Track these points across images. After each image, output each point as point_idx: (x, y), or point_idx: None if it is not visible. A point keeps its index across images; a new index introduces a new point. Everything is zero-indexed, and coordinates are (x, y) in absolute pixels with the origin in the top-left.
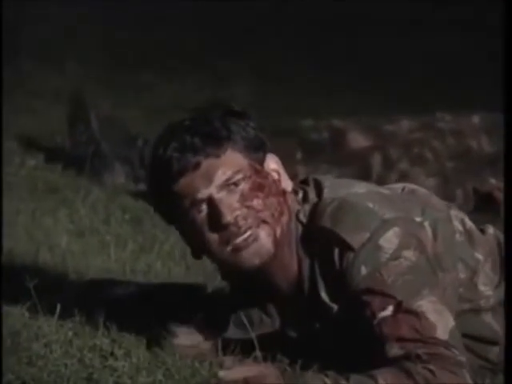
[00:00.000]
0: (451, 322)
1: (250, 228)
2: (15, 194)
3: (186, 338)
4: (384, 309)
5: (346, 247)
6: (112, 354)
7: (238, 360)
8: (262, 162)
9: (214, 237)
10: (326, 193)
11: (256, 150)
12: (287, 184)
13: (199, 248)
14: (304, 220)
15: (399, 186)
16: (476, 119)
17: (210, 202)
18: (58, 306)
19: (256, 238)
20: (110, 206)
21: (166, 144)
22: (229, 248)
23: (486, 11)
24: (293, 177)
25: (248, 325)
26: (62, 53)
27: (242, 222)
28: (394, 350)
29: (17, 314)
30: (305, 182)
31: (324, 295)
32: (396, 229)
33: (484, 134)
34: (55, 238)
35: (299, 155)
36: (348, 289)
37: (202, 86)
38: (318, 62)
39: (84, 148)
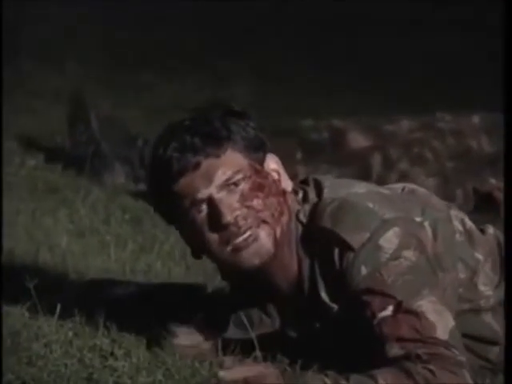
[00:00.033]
0: (451, 322)
1: (250, 228)
2: (15, 194)
3: (186, 338)
4: (384, 309)
5: (346, 247)
6: (112, 354)
7: (238, 360)
8: (261, 162)
9: (213, 237)
10: (326, 193)
11: (256, 150)
12: (287, 184)
13: (199, 248)
14: (304, 220)
15: (399, 186)
16: (476, 119)
17: (210, 201)
18: (58, 306)
19: (256, 238)
20: (110, 206)
21: (165, 144)
22: (229, 248)
23: (485, 11)
24: (293, 177)
25: (248, 325)
26: (61, 53)
27: (242, 222)
28: (394, 350)
29: (17, 314)
30: (305, 182)
31: (324, 295)
32: (396, 229)
33: (484, 134)
34: (55, 238)
35: (299, 155)
36: (348, 289)
37: (202, 85)
38: (318, 62)
39: (84, 148)
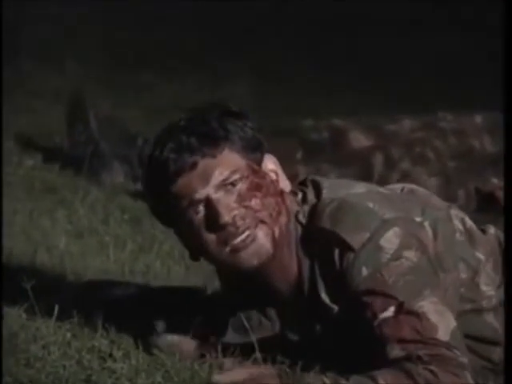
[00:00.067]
0: (452, 323)
1: (248, 228)
2: (13, 194)
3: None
4: (385, 310)
5: (346, 247)
6: (111, 355)
7: (237, 362)
8: (259, 162)
9: (211, 237)
10: (325, 193)
11: (253, 150)
12: (285, 184)
13: (197, 249)
14: (303, 221)
15: (399, 186)
16: (478, 119)
17: (208, 202)
18: (56, 308)
19: (254, 239)
20: (109, 206)
21: (162, 145)
22: (227, 249)
23: (485, 11)
24: (293, 177)
25: (248, 327)
26: (61, 53)
27: (239, 222)
28: (395, 352)
29: (14, 316)
30: (303, 184)
31: (324, 296)
32: (396, 229)
33: (486, 134)
34: (53, 239)
35: (299, 155)
36: (348, 289)
37: (202, 85)
38: (318, 62)
39: (83, 148)
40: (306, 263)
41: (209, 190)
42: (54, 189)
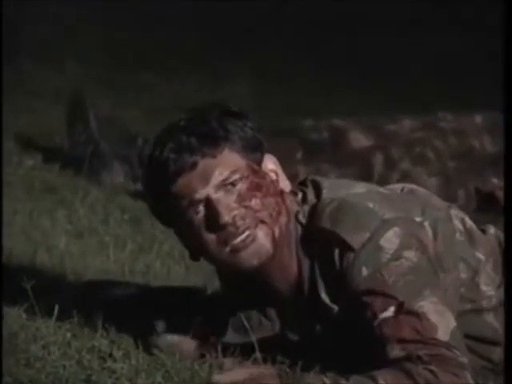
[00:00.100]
0: (452, 323)
1: (248, 228)
2: (13, 194)
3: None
4: (385, 310)
5: (346, 247)
6: (111, 355)
7: (237, 362)
8: (259, 162)
9: (211, 237)
10: (325, 193)
11: (253, 150)
12: (285, 184)
13: (197, 249)
14: (303, 221)
15: (399, 186)
16: (478, 119)
17: (208, 202)
18: (56, 308)
19: (254, 239)
20: (109, 206)
21: (162, 145)
22: (227, 249)
23: (485, 11)
24: (293, 177)
25: (248, 327)
26: (61, 53)
27: (239, 222)
28: (395, 352)
29: (14, 316)
30: (303, 184)
31: (324, 296)
32: (396, 229)
33: (486, 134)
34: (53, 239)
35: (300, 155)
36: (348, 289)
37: (202, 85)
38: (318, 62)
39: (83, 148)
40: (306, 263)
41: (209, 190)
42: (54, 189)
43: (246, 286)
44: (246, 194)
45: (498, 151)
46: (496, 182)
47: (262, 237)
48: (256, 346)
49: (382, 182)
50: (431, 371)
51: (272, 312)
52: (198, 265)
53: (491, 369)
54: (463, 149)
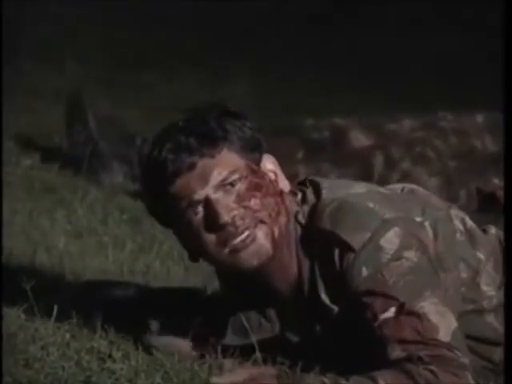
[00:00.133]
0: (454, 324)
1: (247, 228)
2: (12, 194)
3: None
4: (386, 310)
5: (346, 248)
6: (110, 356)
7: (237, 362)
8: (258, 162)
9: (211, 238)
10: (325, 193)
11: (252, 150)
12: (284, 184)
13: (196, 250)
14: (303, 221)
15: (399, 186)
16: (480, 118)
17: (207, 202)
18: (55, 308)
19: (254, 239)
20: (108, 206)
21: (160, 145)
22: (227, 249)
23: (485, 11)
24: (294, 176)
25: (248, 327)
26: (61, 53)
27: (239, 222)
28: (396, 353)
29: (13, 316)
30: (303, 184)
31: (324, 296)
32: (396, 229)
33: (488, 134)
34: (52, 239)
35: (300, 154)
36: (348, 290)
37: (202, 85)
38: (318, 62)
39: (82, 148)
40: (305, 263)
41: (208, 191)
42: (53, 189)
43: (246, 286)
44: (245, 194)
45: (500, 151)
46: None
47: (262, 237)
48: (256, 346)
49: (383, 181)
50: (432, 371)
51: (272, 313)
52: (197, 265)
53: (492, 369)
54: (464, 149)
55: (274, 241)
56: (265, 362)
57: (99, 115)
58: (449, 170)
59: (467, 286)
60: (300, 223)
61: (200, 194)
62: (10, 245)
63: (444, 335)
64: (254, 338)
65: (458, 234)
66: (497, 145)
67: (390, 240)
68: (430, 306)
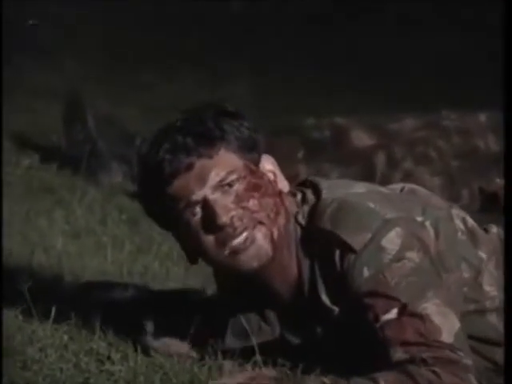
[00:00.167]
0: (457, 324)
1: (245, 229)
2: (10, 194)
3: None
4: (388, 312)
5: (347, 248)
6: (109, 358)
7: (237, 364)
8: (256, 162)
9: (209, 239)
10: (325, 193)
11: (250, 150)
12: (284, 185)
13: (195, 251)
14: (303, 222)
15: (399, 186)
16: (483, 118)
17: (205, 203)
18: (53, 309)
19: (253, 240)
20: (107, 206)
21: (158, 146)
22: (226, 251)
23: (485, 11)
24: (294, 176)
25: (248, 329)
26: (61, 52)
27: (237, 223)
28: (398, 354)
29: (11, 317)
30: (302, 185)
31: (324, 297)
32: (398, 229)
33: (491, 133)
34: (50, 240)
35: (301, 154)
36: (349, 291)
37: (202, 85)
38: (318, 62)
39: (80, 147)
40: (305, 264)
41: (206, 191)
42: (52, 189)
43: (245, 288)
44: (243, 194)
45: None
46: (500, 182)
47: (261, 238)
48: (256, 349)
49: (385, 181)
50: (434, 372)
51: (271, 315)
52: (196, 266)
53: (494, 370)
54: (467, 148)
55: (273, 242)
56: (265, 363)
57: (98, 114)
58: (451, 169)
59: (469, 285)
60: (300, 224)
61: (198, 195)
62: (8, 245)
63: (447, 336)
64: (254, 341)
65: (459, 234)
66: (500, 144)
67: (392, 240)
68: (432, 307)
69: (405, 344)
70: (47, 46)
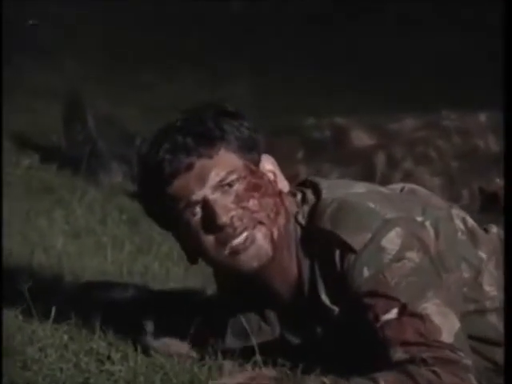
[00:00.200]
0: (456, 324)
1: (245, 229)
2: (9, 194)
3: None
4: (388, 312)
5: (347, 248)
6: (109, 358)
7: (237, 364)
8: (257, 162)
9: (209, 239)
10: (325, 193)
11: (250, 150)
12: (284, 185)
13: (195, 251)
14: (303, 222)
15: (398, 185)
16: (483, 117)
17: (205, 203)
18: (53, 309)
19: (253, 241)
20: (107, 206)
21: (157, 146)
22: (226, 251)
23: (485, 11)
24: (294, 176)
25: (248, 329)
26: (61, 52)
27: (237, 223)
28: (398, 355)
29: (11, 317)
30: (302, 185)
31: (324, 297)
32: (398, 229)
33: (491, 133)
34: (50, 239)
35: (301, 154)
36: (349, 291)
37: (202, 85)
38: (318, 62)
39: (80, 147)
40: (305, 264)
41: (206, 191)
42: (52, 189)
43: (245, 288)
44: (243, 194)
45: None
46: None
47: (261, 238)
48: (256, 349)
49: (385, 181)
50: (434, 372)
51: (271, 315)
52: (196, 266)
53: (494, 370)
54: (467, 148)
55: (273, 242)
56: (265, 363)
57: (98, 114)
58: (451, 169)
59: (469, 285)
60: (300, 224)
61: (198, 195)
62: (7, 245)
63: (447, 336)
64: (254, 341)
65: (459, 234)
66: (500, 144)
67: (392, 240)
68: (432, 307)
69: (405, 344)
70: (47, 46)
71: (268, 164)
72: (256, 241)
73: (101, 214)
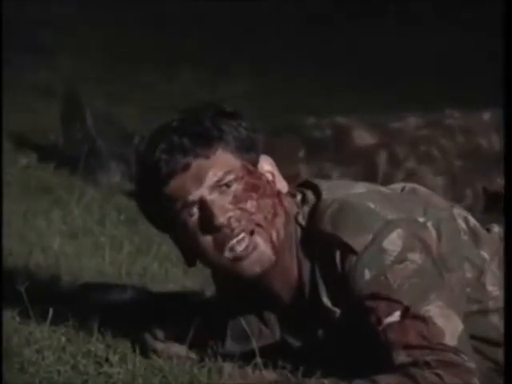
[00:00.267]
0: (460, 326)
1: (243, 230)
2: (7, 193)
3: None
4: (390, 314)
5: (348, 250)
6: (107, 360)
7: (237, 366)
8: (255, 162)
9: (207, 240)
10: (325, 194)
11: (248, 150)
12: (282, 185)
13: (193, 253)
14: (303, 223)
15: (399, 185)
16: (486, 116)
17: (202, 203)
18: (51, 311)
19: (255, 247)
20: (105, 206)
21: (154, 146)
22: (227, 256)
23: (486, 11)
24: (295, 176)
25: (249, 331)
26: (61, 52)
27: (235, 224)
28: (401, 358)
29: (8, 319)
30: (302, 185)
31: (325, 299)
32: (399, 230)
33: (494, 132)
34: (48, 240)
35: (302, 154)
36: (351, 293)
37: (202, 85)
38: (318, 62)
39: (79, 146)
40: (306, 266)
41: (203, 192)
42: (49, 188)
43: (245, 290)
44: (241, 195)
45: None
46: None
47: (262, 243)
48: (257, 352)
49: (387, 181)
50: (437, 375)
51: (272, 317)
52: (195, 267)
53: (496, 370)
54: (470, 147)
55: (274, 246)
56: (266, 366)
57: (97, 113)
58: (454, 169)
59: (472, 286)
60: (300, 225)
61: (195, 195)
62: (7, 245)
63: (450, 339)
64: (254, 343)
65: (461, 234)
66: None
67: (393, 242)
68: (435, 310)
69: (408, 347)
70: (47, 46)
71: (266, 164)
72: (258, 247)
73: (99, 214)
